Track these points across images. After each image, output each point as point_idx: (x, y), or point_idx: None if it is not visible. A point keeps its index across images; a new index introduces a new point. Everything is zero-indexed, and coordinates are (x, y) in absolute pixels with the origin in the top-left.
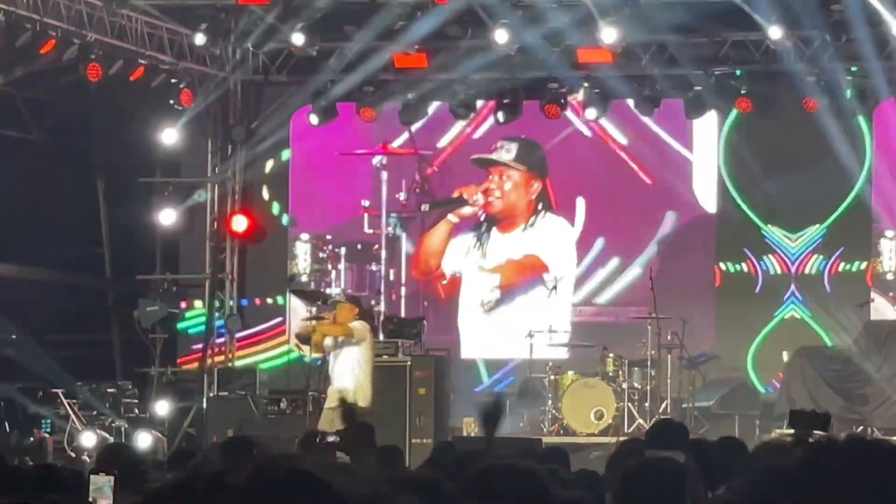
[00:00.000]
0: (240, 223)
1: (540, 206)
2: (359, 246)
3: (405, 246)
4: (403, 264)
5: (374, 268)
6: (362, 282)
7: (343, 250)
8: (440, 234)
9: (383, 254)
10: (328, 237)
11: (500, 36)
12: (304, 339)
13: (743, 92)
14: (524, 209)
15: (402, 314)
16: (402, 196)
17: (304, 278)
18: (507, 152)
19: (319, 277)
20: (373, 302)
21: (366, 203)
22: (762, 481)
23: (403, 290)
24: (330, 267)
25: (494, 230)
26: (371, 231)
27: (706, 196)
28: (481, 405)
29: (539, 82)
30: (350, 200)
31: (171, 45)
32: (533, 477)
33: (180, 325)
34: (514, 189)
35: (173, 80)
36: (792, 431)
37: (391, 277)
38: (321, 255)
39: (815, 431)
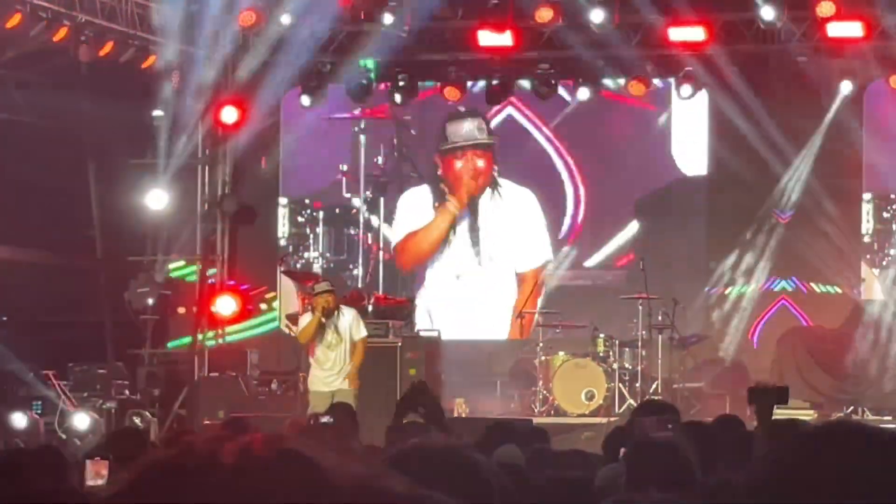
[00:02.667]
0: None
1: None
2: (337, 210)
3: (382, 214)
4: (382, 230)
5: (351, 232)
6: (340, 246)
7: (321, 214)
8: (441, 226)
9: (361, 218)
10: (306, 201)
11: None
12: (294, 318)
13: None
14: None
15: (381, 279)
16: (380, 160)
17: (283, 242)
18: (479, 132)
19: (298, 241)
20: (350, 266)
21: (344, 167)
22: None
23: (381, 254)
24: (308, 231)
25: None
26: (349, 195)
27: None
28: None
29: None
30: (328, 165)
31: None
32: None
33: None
34: (486, 163)
35: (164, 61)
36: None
37: (369, 241)
38: (300, 219)
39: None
